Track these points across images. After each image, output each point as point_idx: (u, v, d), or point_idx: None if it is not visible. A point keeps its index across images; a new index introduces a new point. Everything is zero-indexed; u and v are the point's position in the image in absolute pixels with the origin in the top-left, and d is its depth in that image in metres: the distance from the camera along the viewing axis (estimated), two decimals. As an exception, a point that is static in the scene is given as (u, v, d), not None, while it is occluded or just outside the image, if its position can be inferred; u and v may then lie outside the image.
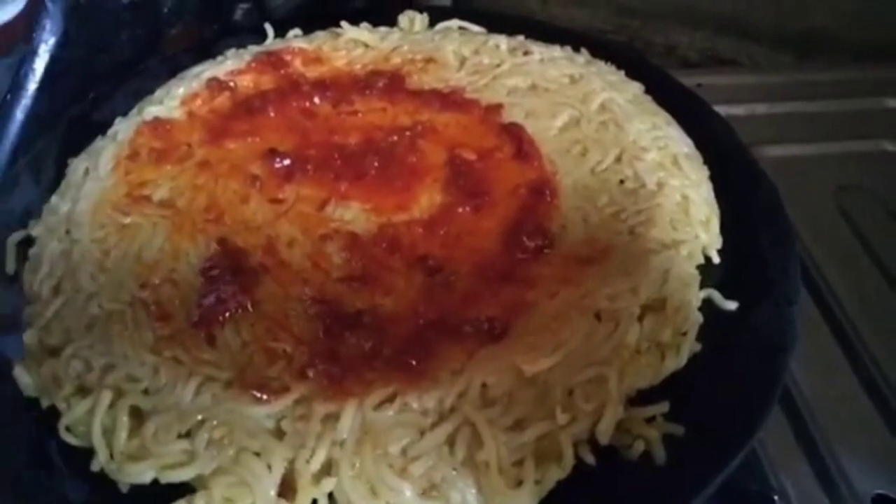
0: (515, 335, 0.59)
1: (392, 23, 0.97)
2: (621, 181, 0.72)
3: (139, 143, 0.77)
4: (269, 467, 0.51)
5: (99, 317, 0.60)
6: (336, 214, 0.70)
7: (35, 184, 0.76)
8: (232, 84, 0.85)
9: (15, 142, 0.83)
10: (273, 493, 0.51)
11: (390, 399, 0.54)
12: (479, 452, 0.51)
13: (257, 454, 0.52)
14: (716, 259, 0.68)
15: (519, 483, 0.51)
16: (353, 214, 0.70)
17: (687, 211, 0.69)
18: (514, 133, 0.78)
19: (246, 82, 0.87)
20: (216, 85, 0.84)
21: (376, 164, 0.75)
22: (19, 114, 0.83)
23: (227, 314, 0.61)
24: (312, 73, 0.88)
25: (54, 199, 0.74)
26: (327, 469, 0.52)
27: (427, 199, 0.72)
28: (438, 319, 0.61)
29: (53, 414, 0.56)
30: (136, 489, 0.53)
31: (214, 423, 0.53)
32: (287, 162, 0.75)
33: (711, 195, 0.72)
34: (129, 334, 0.58)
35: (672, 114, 0.80)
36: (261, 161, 0.75)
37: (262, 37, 0.95)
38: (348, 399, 0.54)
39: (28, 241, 0.71)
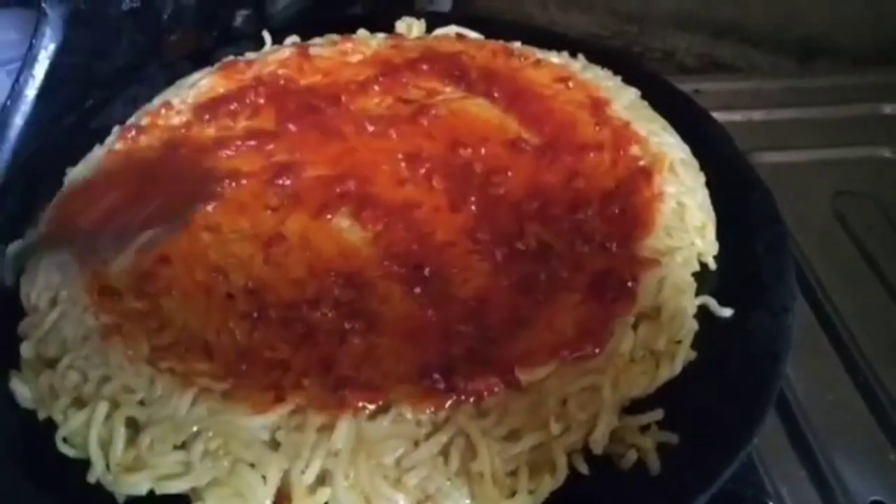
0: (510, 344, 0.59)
1: (390, 29, 0.97)
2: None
3: (136, 152, 0.77)
4: (265, 478, 0.52)
5: (95, 328, 0.60)
6: (332, 222, 0.70)
7: (33, 193, 0.75)
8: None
9: (14, 148, 0.83)
10: (268, 504, 0.51)
11: (385, 409, 0.54)
12: (474, 463, 0.52)
13: (252, 465, 0.52)
14: (712, 266, 0.68)
15: (513, 493, 0.52)
16: (350, 222, 0.70)
17: (682, 217, 0.69)
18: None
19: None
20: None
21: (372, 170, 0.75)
22: (18, 120, 0.83)
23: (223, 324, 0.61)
24: (308, 79, 0.88)
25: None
26: (322, 480, 0.52)
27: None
28: (434, 326, 0.61)
29: (50, 425, 0.56)
30: (133, 501, 0.53)
31: (210, 434, 0.53)
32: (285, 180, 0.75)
33: (707, 201, 0.72)
34: (125, 345, 0.58)
35: (669, 120, 0.80)
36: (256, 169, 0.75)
37: (261, 44, 0.95)
38: (343, 409, 0.54)
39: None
